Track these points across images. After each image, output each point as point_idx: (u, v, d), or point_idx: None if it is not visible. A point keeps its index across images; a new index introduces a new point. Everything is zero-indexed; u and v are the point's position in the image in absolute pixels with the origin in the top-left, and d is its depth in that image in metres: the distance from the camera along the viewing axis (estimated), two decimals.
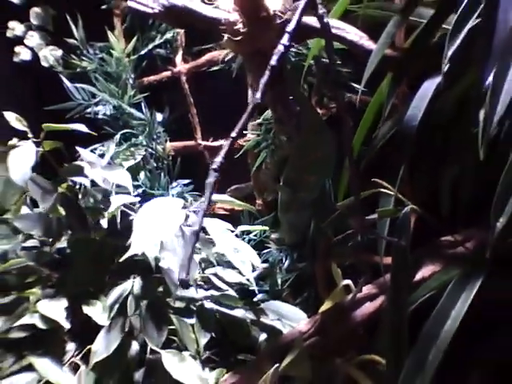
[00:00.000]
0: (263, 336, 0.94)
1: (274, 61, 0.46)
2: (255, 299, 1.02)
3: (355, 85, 0.88)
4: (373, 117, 0.84)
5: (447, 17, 0.71)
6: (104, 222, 0.84)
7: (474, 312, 0.68)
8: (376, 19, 0.82)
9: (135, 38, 1.04)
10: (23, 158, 0.78)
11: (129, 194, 0.86)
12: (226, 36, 0.68)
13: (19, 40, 1.11)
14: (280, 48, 0.46)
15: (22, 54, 1.10)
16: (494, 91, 0.54)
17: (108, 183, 0.88)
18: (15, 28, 1.11)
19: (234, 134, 0.48)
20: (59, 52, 1.12)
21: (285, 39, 0.46)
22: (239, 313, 0.92)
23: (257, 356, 0.86)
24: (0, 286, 0.92)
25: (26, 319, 0.79)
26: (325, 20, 0.57)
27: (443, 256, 0.78)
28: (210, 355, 0.90)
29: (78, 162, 0.89)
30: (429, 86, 0.74)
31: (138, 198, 0.83)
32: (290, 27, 0.47)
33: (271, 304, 0.96)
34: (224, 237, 0.79)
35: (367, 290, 0.86)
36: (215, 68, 1.02)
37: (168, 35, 1.04)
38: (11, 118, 0.82)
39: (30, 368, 0.81)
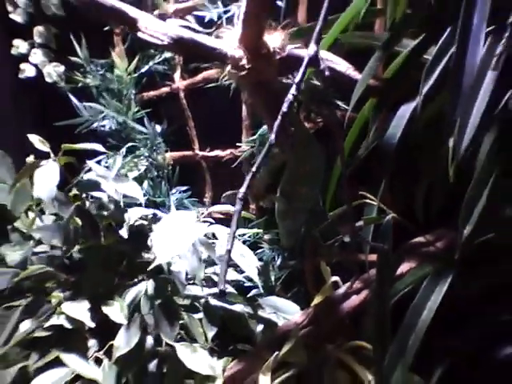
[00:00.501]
0: (260, 328, 1.05)
1: (285, 108, 0.56)
2: (251, 294, 1.13)
3: (342, 104, 0.98)
4: (358, 132, 0.95)
5: (426, 51, 0.82)
6: (123, 232, 0.93)
7: (447, 305, 0.81)
8: (360, 46, 0.94)
9: (136, 58, 1.12)
10: (48, 176, 0.86)
11: (140, 204, 0.96)
12: (231, 70, 0.78)
13: (24, 57, 1.18)
14: (289, 97, 0.57)
15: (27, 70, 1.17)
16: (461, 126, 0.65)
17: (118, 194, 0.97)
18: (19, 46, 1.17)
19: (254, 169, 0.57)
20: (62, 68, 1.19)
21: (293, 90, 0.56)
22: (239, 308, 1.03)
23: (258, 345, 0.97)
24: (22, 291, 1.01)
25: (54, 320, 0.88)
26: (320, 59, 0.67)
27: (418, 254, 0.90)
28: (212, 346, 1.01)
29: (92, 177, 0.98)
30: (406, 109, 0.85)
31: (152, 210, 0.93)
32: (297, 79, 0.57)
33: (267, 299, 1.06)
34: (238, 246, 0.90)
35: (354, 284, 0.98)
36: (211, 85, 1.11)
37: (167, 54, 1.13)
38: (34, 139, 0.90)
39: (57, 363, 0.91)
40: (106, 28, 1.15)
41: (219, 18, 1.05)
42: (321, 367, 0.94)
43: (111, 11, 0.89)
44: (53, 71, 1.17)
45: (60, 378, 0.82)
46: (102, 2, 0.88)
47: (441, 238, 0.91)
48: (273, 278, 1.12)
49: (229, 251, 0.52)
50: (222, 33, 0.82)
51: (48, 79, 1.18)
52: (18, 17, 1.17)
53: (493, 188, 0.73)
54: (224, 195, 1.22)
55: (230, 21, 1.04)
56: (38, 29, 1.17)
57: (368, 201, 0.89)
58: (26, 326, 0.90)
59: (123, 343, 0.86)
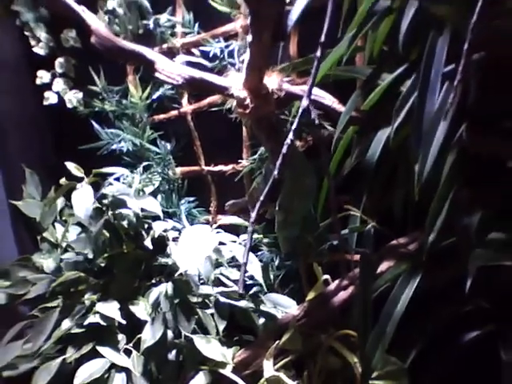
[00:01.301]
0: (262, 320, 1.22)
1: (284, 149, 0.72)
2: (253, 291, 1.30)
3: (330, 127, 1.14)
4: (343, 152, 1.11)
5: (399, 86, 0.98)
6: (148, 242, 1.09)
7: (419, 297, 0.98)
8: (343, 77, 1.10)
9: (149, 87, 1.27)
10: (84, 198, 1.02)
11: (159, 217, 1.12)
12: (237, 108, 0.94)
13: (47, 86, 1.32)
14: (288, 141, 0.72)
15: (51, 98, 1.31)
16: (423, 155, 0.82)
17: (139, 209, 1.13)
18: (43, 76, 1.31)
19: (262, 198, 0.73)
20: (80, 95, 1.33)
21: (291, 135, 0.72)
22: (243, 303, 1.19)
23: (261, 336, 1.14)
24: (56, 294, 1.16)
25: (91, 318, 1.04)
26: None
27: (395, 255, 1.07)
28: (221, 337, 1.17)
29: (114, 193, 1.14)
30: (382, 135, 1.01)
31: (172, 223, 1.09)
32: (294, 126, 0.73)
33: (268, 295, 1.23)
34: (241, 250, 1.06)
35: (342, 282, 1.14)
36: (215, 109, 1.27)
37: None
38: (70, 166, 1.05)
39: (91, 356, 1.06)
40: None
41: (221, 52, 1.20)
42: (315, 353, 1.11)
43: (131, 54, 1.04)
44: (73, 98, 1.31)
45: (100, 367, 0.98)
46: (123, 46, 1.03)
47: (414, 241, 1.08)
48: (272, 277, 1.28)
49: (245, 264, 0.68)
50: (229, 75, 0.98)
51: (69, 105, 1.32)
52: (40, 50, 1.31)
53: (452, 201, 0.90)
54: (227, 204, 1.38)
55: (230, 54, 1.20)
56: (59, 60, 1.31)
57: (352, 212, 1.06)
58: (65, 324, 1.05)
59: (149, 337, 1.02)
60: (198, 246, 0.95)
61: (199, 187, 1.35)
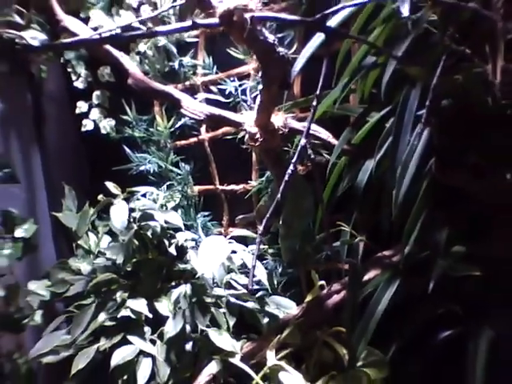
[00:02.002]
0: (266, 320, 1.41)
1: (286, 177, 0.92)
2: (259, 295, 1.49)
3: (326, 155, 1.34)
4: (337, 176, 1.31)
5: (387, 121, 1.18)
6: (172, 250, 1.29)
7: (399, 300, 1.17)
8: (339, 114, 1.30)
9: (173, 118, 1.49)
10: (121, 212, 1.23)
11: (180, 229, 1.33)
12: (249, 141, 1.14)
13: (84, 115, 1.54)
14: (289, 171, 0.92)
15: (88, 125, 1.53)
16: (398, 184, 1.02)
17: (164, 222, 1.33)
18: (82, 106, 1.53)
19: (269, 214, 0.93)
20: (113, 122, 1.55)
21: (291, 167, 0.92)
22: (250, 304, 1.38)
23: (265, 331, 1.33)
24: (92, 293, 1.36)
25: (123, 312, 1.23)
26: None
27: (380, 265, 1.26)
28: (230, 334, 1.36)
29: (141, 207, 1.34)
30: (368, 164, 1.22)
31: (191, 235, 1.29)
32: (294, 160, 0.93)
33: (271, 298, 1.41)
34: (250, 258, 1.26)
35: (335, 287, 1.34)
36: (228, 137, 1.48)
37: None
38: (110, 186, 1.26)
39: (121, 344, 1.26)
40: None
41: (236, 90, 1.41)
42: (311, 347, 1.30)
43: (162, 94, 1.25)
44: (106, 125, 1.53)
45: (132, 352, 1.18)
46: (155, 87, 1.25)
47: (396, 254, 1.27)
48: (276, 282, 1.48)
49: (253, 266, 0.88)
50: (243, 113, 1.19)
51: (103, 131, 1.53)
52: (80, 84, 1.53)
53: (424, 221, 1.10)
54: (237, 218, 1.59)
55: (243, 92, 1.41)
56: (96, 93, 1.53)
57: (343, 228, 1.26)
58: (101, 317, 1.25)
59: (171, 329, 1.22)
60: (214, 254, 1.15)
61: (213, 203, 1.56)
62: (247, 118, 1.17)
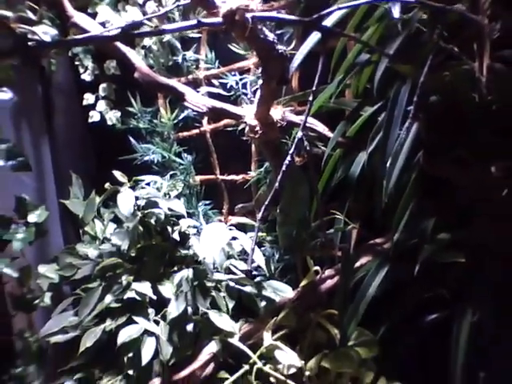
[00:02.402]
0: (263, 303, 1.48)
1: (284, 167, 0.99)
2: (256, 280, 1.56)
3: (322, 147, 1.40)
4: (332, 167, 1.38)
5: (379, 115, 1.25)
6: (176, 235, 1.36)
7: (389, 285, 1.24)
8: (335, 108, 1.37)
9: (176, 110, 1.55)
10: (127, 200, 1.29)
11: (183, 216, 1.40)
12: (249, 133, 1.21)
13: (91, 107, 1.60)
14: (286, 161, 0.99)
15: (94, 116, 1.59)
16: (388, 175, 1.09)
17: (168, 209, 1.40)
18: (89, 98, 1.60)
19: (267, 202, 1.00)
20: (119, 114, 1.61)
21: (289, 158, 0.99)
22: (249, 288, 1.46)
23: (262, 313, 1.40)
24: (97, 276, 1.43)
25: (128, 294, 1.30)
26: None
27: (372, 252, 1.33)
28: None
29: (146, 196, 1.41)
30: (361, 156, 1.29)
31: (193, 222, 1.36)
32: (291, 151, 1.00)
33: (269, 282, 1.48)
34: (249, 244, 1.33)
35: (328, 272, 1.41)
36: (229, 128, 1.54)
37: None
38: (117, 174, 1.33)
39: (126, 324, 1.33)
40: None
41: (237, 83, 1.48)
42: (305, 328, 1.38)
43: (167, 87, 1.32)
44: (112, 116, 1.59)
45: (137, 331, 1.25)
46: (160, 81, 1.32)
47: (387, 241, 1.35)
48: (273, 268, 1.55)
49: (252, 249, 0.96)
50: (243, 106, 1.25)
51: (109, 122, 1.59)
52: (87, 76, 1.59)
53: (412, 210, 1.17)
54: (236, 207, 1.66)
55: (244, 86, 1.48)
56: (102, 85, 1.59)
57: (337, 216, 1.33)
58: (108, 299, 1.32)
59: (174, 310, 1.29)
60: (216, 240, 1.22)
61: (214, 193, 1.63)
62: (247, 112, 1.23)
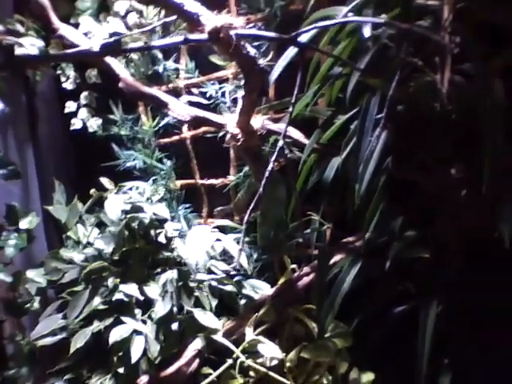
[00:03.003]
0: (243, 301, 1.56)
1: (266, 174, 1.07)
2: (236, 279, 1.63)
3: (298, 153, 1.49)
4: (307, 171, 1.47)
5: (351, 123, 1.35)
6: (162, 238, 1.43)
7: (362, 280, 1.34)
8: (309, 116, 1.46)
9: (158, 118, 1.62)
10: (115, 204, 1.35)
11: (166, 220, 1.46)
12: (231, 140, 1.29)
13: (73, 114, 1.65)
14: (269, 169, 1.08)
15: (76, 124, 1.64)
16: (360, 179, 1.19)
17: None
18: (70, 106, 1.64)
19: (252, 206, 1.08)
20: (100, 121, 1.66)
21: (269, 167, 1.08)
22: (230, 287, 1.54)
23: (244, 310, 1.48)
24: (83, 280, 1.47)
25: (117, 295, 1.36)
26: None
27: (345, 250, 1.43)
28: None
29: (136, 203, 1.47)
30: (334, 161, 1.38)
31: (180, 225, 1.43)
32: (273, 158, 1.08)
33: (248, 281, 1.57)
34: (235, 246, 1.41)
35: (305, 270, 1.50)
36: (209, 135, 1.62)
37: None
38: (104, 181, 1.39)
39: (116, 324, 1.38)
40: None
41: (216, 92, 1.55)
42: (284, 322, 1.47)
43: (150, 97, 1.39)
44: (94, 124, 1.64)
45: (127, 331, 1.31)
46: (144, 91, 1.38)
47: (358, 239, 1.45)
48: (251, 267, 1.63)
49: (240, 250, 1.04)
50: (224, 115, 1.33)
51: (90, 129, 1.64)
52: (69, 85, 1.63)
53: (382, 211, 1.28)
54: (215, 210, 1.74)
55: (223, 95, 1.56)
56: (84, 93, 1.64)
57: (313, 217, 1.43)
58: (96, 301, 1.37)
59: (161, 309, 1.36)
60: (201, 242, 1.30)
61: (194, 196, 1.70)
62: (229, 120, 1.31)
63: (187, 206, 1.70)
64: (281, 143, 1.10)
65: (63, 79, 1.63)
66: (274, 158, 1.09)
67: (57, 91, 1.69)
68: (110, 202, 1.36)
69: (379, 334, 1.40)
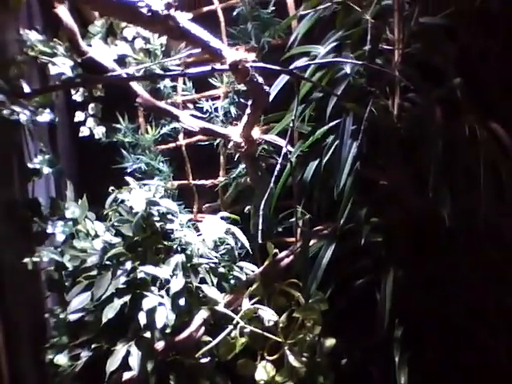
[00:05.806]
0: (232, 281, 1.88)
1: (272, 180, 1.41)
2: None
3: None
4: (288, 174, 1.83)
5: (328, 137, 1.73)
6: (175, 225, 1.71)
7: (338, 259, 1.72)
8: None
9: (159, 128, 1.90)
10: (139, 197, 1.62)
11: (176, 212, 1.75)
12: (235, 148, 1.62)
13: (80, 124, 1.88)
14: (275, 173, 1.42)
15: (84, 131, 1.87)
16: (338, 178, 1.57)
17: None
18: (79, 116, 1.87)
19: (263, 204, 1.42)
20: (104, 129, 1.91)
21: (275, 172, 1.42)
22: (222, 269, 1.85)
23: (239, 285, 1.80)
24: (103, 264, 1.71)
25: (139, 274, 1.62)
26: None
27: (320, 235, 1.81)
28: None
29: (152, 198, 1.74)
30: (312, 165, 1.76)
31: (190, 216, 1.73)
32: (277, 167, 1.43)
33: (238, 263, 1.89)
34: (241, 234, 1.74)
35: (285, 252, 1.86)
36: (202, 143, 1.93)
37: (175, 123, 1.91)
38: (130, 180, 1.65)
39: (140, 298, 1.64)
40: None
41: (210, 108, 1.87)
42: (270, 295, 1.81)
43: (164, 111, 1.67)
44: (100, 131, 1.89)
45: (152, 302, 1.58)
46: (159, 106, 1.67)
47: (332, 226, 1.83)
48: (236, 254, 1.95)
49: (256, 235, 1.37)
50: (229, 127, 1.66)
51: (96, 137, 1.89)
52: (78, 97, 1.86)
53: (352, 203, 1.67)
54: (204, 207, 2.04)
55: (215, 110, 1.87)
56: (91, 105, 1.88)
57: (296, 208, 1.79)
58: (121, 280, 1.63)
59: (176, 286, 1.64)
60: (214, 229, 1.62)
61: (188, 195, 2.00)
62: (232, 131, 1.64)
63: (180, 202, 1.99)
64: (284, 150, 1.45)
65: (73, 92, 1.86)
66: (280, 160, 1.44)
67: (66, 103, 1.92)
68: (135, 195, 1.63)
69: (344, 300, 1.79)
